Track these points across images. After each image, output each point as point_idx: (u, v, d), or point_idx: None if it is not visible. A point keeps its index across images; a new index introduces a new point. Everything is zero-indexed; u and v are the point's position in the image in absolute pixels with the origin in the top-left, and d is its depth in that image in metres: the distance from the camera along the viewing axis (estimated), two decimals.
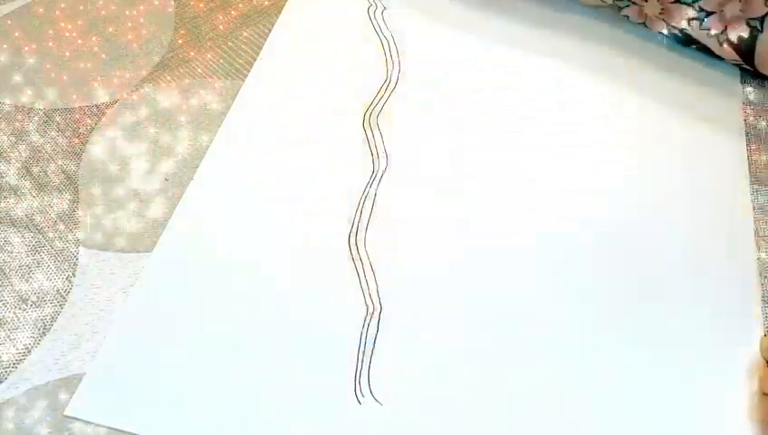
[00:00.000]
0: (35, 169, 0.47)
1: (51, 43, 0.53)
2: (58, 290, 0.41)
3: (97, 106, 0.50)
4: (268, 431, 0.36)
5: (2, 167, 0.47)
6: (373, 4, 0.55)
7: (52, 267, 0.42)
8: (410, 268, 0.41)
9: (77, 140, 0.48)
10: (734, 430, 0.35)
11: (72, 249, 0.43)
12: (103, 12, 0.56)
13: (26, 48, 0.53)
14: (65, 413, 0.37)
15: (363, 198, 0.44)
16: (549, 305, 0.40)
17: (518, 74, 0.50)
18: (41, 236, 0.43)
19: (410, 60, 0.52)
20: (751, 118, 0.47)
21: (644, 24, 0.50)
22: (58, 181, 0.46)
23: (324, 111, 0.49)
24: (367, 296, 0.40)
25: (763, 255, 0.41)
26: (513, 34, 0.53)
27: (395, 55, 0.52)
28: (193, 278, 0.41)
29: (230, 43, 0.53)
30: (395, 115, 0.48)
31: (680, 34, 0.48)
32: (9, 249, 0.43)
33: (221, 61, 0.52)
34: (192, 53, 0.53)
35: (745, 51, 0.46)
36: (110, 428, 0.36)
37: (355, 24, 0.54)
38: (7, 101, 0.50)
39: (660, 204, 0.43)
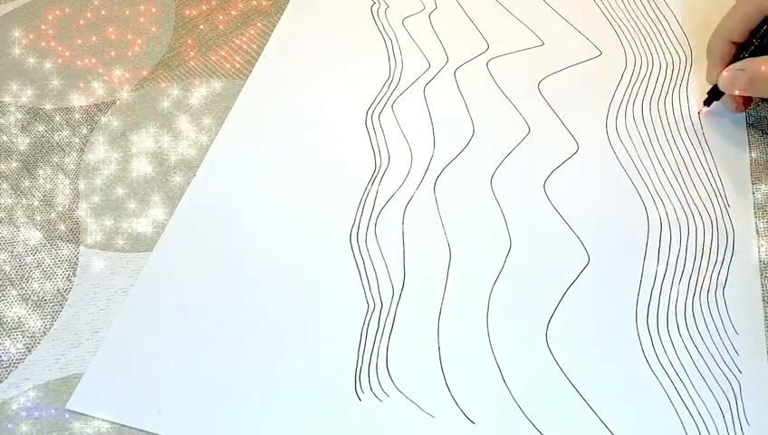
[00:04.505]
0: (35, 169, 0.46)
1: (51, 43, 0.53)
2: (58, 290, 0.41)
3: (97, 106, 0.50)
4: (268, 427, 0.36)
5: (2, 166, 0.47)
6: (377, 3, 0.55)
7: (53, 267, 0.42)
8: (411, 266, 0.41)
9: (77, 140, 0.48)
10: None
11: (71, 249, 0.43)
12: (103, 12, 0.56)
13: (27, 48, 0.53)
14: (67, 407, 0.37)
15: (365, 196, 0.44)
16: (551, 304, 0.39)
17: (521, 70, 0.51)
18: (41, 236, 0.43)
19: (414, 58, 0.52)
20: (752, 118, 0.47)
21: None
22: (58, 181, 0.46)
23: (326, 110, 0.49)
24: (368, 293, 0.40)
25: (764, 254, 0.41)
26: (514, 31, 0.53)
27: (398, 54, 0.52)
28: (193, 278, 0.41)
29: (230, 43, 0.53)
30: (398, 113, 0.48)
31: None
32: (9, 249, 0.43)
33: (221, 61, 0.52)
34: (192, 53, 0.53)
35: None
36: (111, 422, 0.36)
37: (358, 23, 0.54)
38: (7, 101, 0.50)
39: (660, 204, 0.43)
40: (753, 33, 0.43)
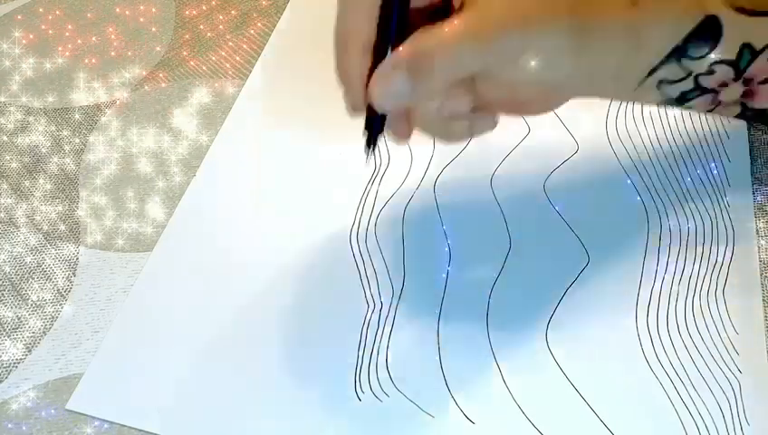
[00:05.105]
0: (35, 169, 0.46)
1: (51, 43, 0.53)
2: (58, 290, 0.41)
3: (97, 106, 0.50)
4: (268, 427, 0.36)
5: (2, 166, 0.47)
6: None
7: (53, 267, 0.42)
8: (411, 266, 0.41)
9: (77, 140, 0.48)
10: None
11: (72, 249, 0.43)
12: (103, 12, 0.56)
13: (26, 48, 0.53)
14: (67, 407, 0.37)
15: (365, 196, 0.44)
16: (551, 304, 0.39)
17: None
18: (41, 236, 0.43)
19: None
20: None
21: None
22: (58, 181, 0.46)
23: (326, 110, 0.49)
24: (368, 293, 0.40)
25: (764, 254, 0.41)
26: None
27: None
28: (193, 278, 0.41)
29: (230, 43, 0.53)
30: None
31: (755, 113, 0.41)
32: (9, 249, 0.43)
33: (221, 60, 0.52)
34: (192, 53, 0.53)
35: None
36: (111, 422, 0.36)
37: None
38: (7, 101, 0.50)
39: (660, 204, 0.43)
40: (383, 18, 0.30)
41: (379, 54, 0.31)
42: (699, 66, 0.35)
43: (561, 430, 0.35)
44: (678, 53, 0.34)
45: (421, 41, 0.29)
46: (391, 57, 0.30)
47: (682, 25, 0.33)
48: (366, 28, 0.31)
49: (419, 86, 0.30)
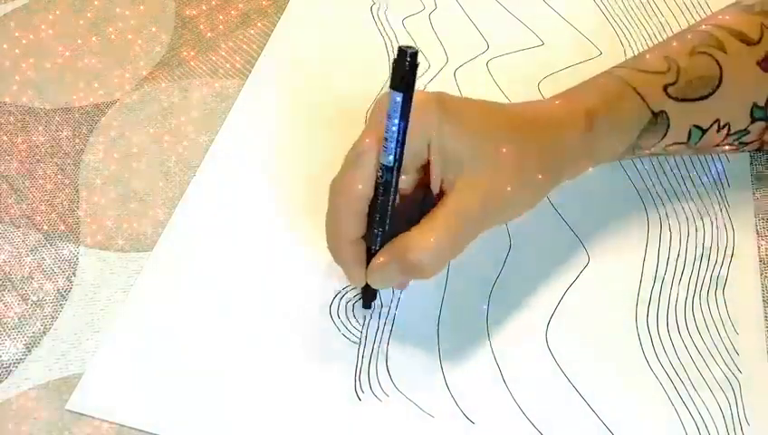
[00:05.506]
0: (35, 169, 0.46)
1: (51, 43, 0.53)
2: (58, 290, 0.41)
3: (97, 106, 0.50)
4: (267, 427, 0.36)
5: (2, 166, 0.47)
6: (376, 3, 0.55)
7: (53, 267, 0.42)
8: None
9: (77, 140, 0.48)
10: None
11: (71, 249, 0.43)
12: (103, 12, 0.56)
13: (26, 48, 0.53)
14: (67, 407, 0.37)
15: None
16: (551, 304, 0.39)
17: (521, 70, 0.51)
18: (41, 236, 0.43)
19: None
20: None
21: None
22: (58, 181, 0.46)
23: (326, 111, 0.49)
24: None
25: (764, 254, 0.41)
26: (514, 31, 0.53)
27: None
28: (193, 278, 0.41)
29: (230, 43, 0.53)
30: None
31: None
32: (9, 249, 0.43)
33: (221, 61, 0.52)
34: (192, 53, 0.53)
35: None
36: (111, 422, 0.36)
37: (358, 23, 0.54)
38: (7, 100, 0.50)
39: (660, 204, 0.43)
40: (373, 211, 0.35)
41: (370, 236, 0.36)
42: (655, 149, 0.40)
43: (561, 429, 0.35)
44: (633, 149, 0.40)
45: (404, 247, 0.34)
46: (386, 252, 0.35)
47: (632, 132, 0.38)
48: (353, 226, 0.35)
49: (411, 275, 0.36)
